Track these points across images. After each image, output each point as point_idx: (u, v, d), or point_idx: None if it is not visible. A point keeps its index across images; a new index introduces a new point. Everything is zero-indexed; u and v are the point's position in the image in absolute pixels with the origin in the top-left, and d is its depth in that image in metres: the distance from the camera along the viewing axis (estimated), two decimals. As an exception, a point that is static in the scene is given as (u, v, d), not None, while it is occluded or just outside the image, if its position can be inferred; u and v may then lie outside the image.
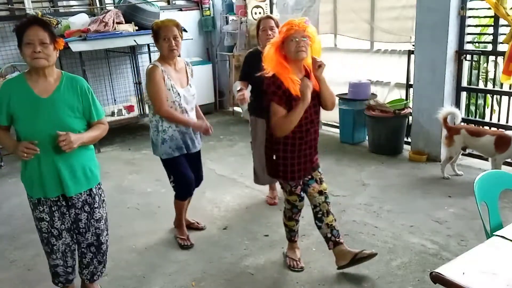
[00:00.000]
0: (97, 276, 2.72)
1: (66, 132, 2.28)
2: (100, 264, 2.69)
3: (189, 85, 3.16)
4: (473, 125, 4.45)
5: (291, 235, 3.04)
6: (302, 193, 2.86)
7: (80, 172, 2.44)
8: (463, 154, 4.44)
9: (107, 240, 2.67)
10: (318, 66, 2.56)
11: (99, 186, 2.58)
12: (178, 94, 3.05)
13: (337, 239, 2.88)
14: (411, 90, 4.90)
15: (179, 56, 3.16)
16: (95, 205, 2.54)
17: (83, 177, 2.45)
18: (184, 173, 3.21)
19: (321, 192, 2.84)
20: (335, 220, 2.90)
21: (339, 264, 2.87)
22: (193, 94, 3.18)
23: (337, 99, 5.30)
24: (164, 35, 2.97)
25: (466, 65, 4.57)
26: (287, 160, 2.70)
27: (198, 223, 3.60)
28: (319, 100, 2.72)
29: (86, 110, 2.43)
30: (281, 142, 2.68)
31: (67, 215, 2.50)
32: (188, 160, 3.25)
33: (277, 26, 3.55)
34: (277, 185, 4.04)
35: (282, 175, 2.76)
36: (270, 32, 3.52)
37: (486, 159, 4.22)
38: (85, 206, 2.51)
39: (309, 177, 2.84)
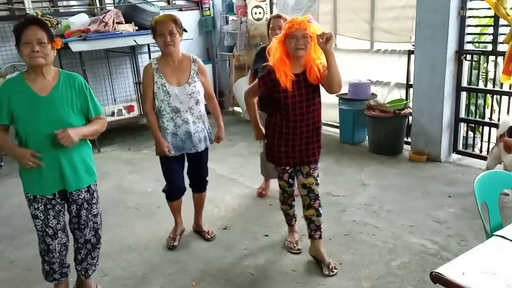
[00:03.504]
0: (92, 271, 2.79)
1: (62, 129, 2.33)
2: (93, 260, 2.76)
3: (186, 84, 3.03)
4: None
5: (287, 219, 3.23)
6: (290, 180, 2.99)
7: (81, 167, 2.51)
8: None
9: (101, 236, 2.76)
10: (326, 39, 2.55)
11: (95, 183, 2.65)
12: (168, 93, 2.99)
13: (313, 233, 2.99)
14: (411, 90, 4.90)
15: (180, 52, 3.06)
16: (93, 201, 2.62)
17: (84, 173, 2.53)
18: (168, 176, 3.23)
19: (304, 185, 2.92)
20: (317, 215, 2.94)
21: (309, 253, 3.06)
22: (191, 93, 3.03)
23: (336, 99, 5.41)
24: (159, 30, 2.93)
25: (466, 65, 4.57)
26: (274, 146, 2.88)
27: (208, 233, 3.44)
28: (313, 94, 2.78)
29: (84, 106, 2.48)
30: (270, 128, 2.87)
31: (62, 213, 2.55)
32: (189, 160, 3.25)
33: None
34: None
35: (271, 159, 2.96)
36: (278, 32, 3.56)
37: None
38: (84, 204, 2.57)
39: (298, 168, 2.92)
